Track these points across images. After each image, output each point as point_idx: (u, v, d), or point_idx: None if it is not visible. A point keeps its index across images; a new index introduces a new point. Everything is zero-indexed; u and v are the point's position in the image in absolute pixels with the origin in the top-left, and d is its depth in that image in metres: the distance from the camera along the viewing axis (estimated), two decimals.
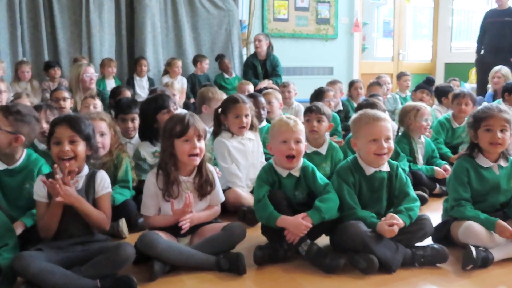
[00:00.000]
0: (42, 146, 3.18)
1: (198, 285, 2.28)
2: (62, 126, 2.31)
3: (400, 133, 3.91)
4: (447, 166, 3.85)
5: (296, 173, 2.63)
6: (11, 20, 6.22)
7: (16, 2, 6.21)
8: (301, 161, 2.67)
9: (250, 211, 3.05)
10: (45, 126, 3.18)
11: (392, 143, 2.58)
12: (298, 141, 2.59)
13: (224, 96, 4.09)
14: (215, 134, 3.48)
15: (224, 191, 3.20)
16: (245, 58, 7.64)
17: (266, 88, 6.66)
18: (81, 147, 2.33)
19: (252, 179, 3.41)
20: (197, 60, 7.00)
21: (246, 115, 3.38)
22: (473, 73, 7.87)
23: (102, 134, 2.96)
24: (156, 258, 2.30)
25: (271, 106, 4.65)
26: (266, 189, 2.57)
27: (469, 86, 7.59)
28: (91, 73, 5.11)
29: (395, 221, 2.38)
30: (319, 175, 2.65)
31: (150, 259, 2.31)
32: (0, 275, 2.06)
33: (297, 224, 2.41)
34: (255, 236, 2.65)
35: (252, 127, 3.49)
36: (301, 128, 2.65)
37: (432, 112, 4.74)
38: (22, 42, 6.34)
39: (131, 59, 6.97)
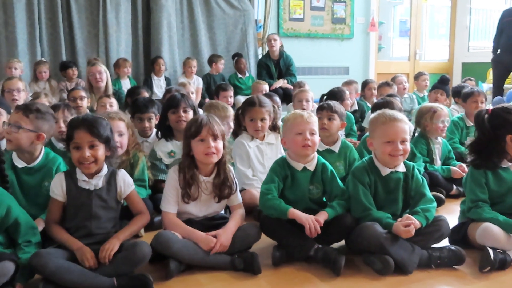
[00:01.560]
0: (60, 145, 3.21)
1: (213, 284, 2.29)
2: (81, 130, 2.30)
3: (416, 134, 3.88)
4: (463, 165, 3.81)
5: (311, 167, 2.65)
6: (29, 20, 6.29)
7: (35, 2, 6.28)
8: (316, 156, 2.68)
9: None
10: (63, 125, 3.22)
11: (408, 145, 2.56)
12: (312, 133, 2.62)
13: (230, 113, 3.82)
14: (235, 134, 3.51)
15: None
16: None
17: (281, 87, 6.68)
18: (101, 150, 2.34)
19: None
20: (212, 60, 7.01)
21: (262, 119, 3.38)
22: (491, 73, 7.77)
23: (120, 134, 2.99)
24: (172, 257, 2.32)
25: (308, 104, 4.72)
26: (276, 183, 2.59)
27: (487, 86, 7.51)
28: (97, 71, 5.15)
29: (411, 222, 2.36)
30: (338, 179, 2.67)
31: (166, 258, 2.33)
32: (18, 271, 2.08)
33: (308, 217, 2.43)
34: None
35: (275, 129, 3.50)
36: (315, 120, 2.69)
37: (449, 112, 4.69)
38: (41, 42, 6.41)
39: (148, 59, 7.02)
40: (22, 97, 4.44)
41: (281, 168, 2.64)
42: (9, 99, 4.35)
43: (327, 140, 3.43)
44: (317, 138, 2.65)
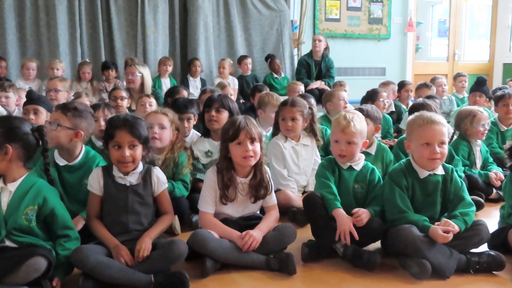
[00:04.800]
0: (100, 143, 3.29)
1: (249, 283, 2.30)
2: (122, 131, 2.37)
3: (456, 137, 3.80)
4: (499, 172, 3.73)
5: (357, 167, 2.67)
6: (71, 22, 6.47)
7: (76, 4, 6.46)
8: (363, 158, 2.71)
9: (300, 212, 3.06)
10: (103, 124, 3.30)
11: (446, 148, 2.51)
12: (349, 142, 2.61)
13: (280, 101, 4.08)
14: (273, 135, 3.53)
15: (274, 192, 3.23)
16: (296, 58, 7.64)
17: (318, 89, 6.64)
18: (139, 151, 2.41)
19: (303, 186, 3.42)
20: (240, 60, 7.05)
21: (293, 119, 3.38)
22: None
23: (162, 127, 3.08)
24: (208, 256, 2.35)
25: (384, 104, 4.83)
26: (329, 177, 2.62)
27: None
28: (130, 72, 5.27)
29: (450, 228, 2.32)
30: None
31: (202, 256, 2.36)
32: (53, 266, 2.13)
33: (344, 221, 2.46)
34: (305, 237, 2.65)
35: (313, 131, 3.50)
36: (355, 129, 2.62)
37: (490, 114, 4.58)
38: (81, 43, 6.59)
39: (184, 59, 7.11)
40: (60, 97, 4.54)
41: (329, 164, 2.69)
42: (48, 99, 4.48)
43: None
44: (355, 147, 2.63)
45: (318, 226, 2.57)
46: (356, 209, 2.52)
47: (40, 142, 2.29)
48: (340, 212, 2.50)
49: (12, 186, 2.19)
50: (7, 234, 2.15)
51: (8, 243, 2.15)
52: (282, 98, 3.90)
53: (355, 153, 2.65)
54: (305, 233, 2.70)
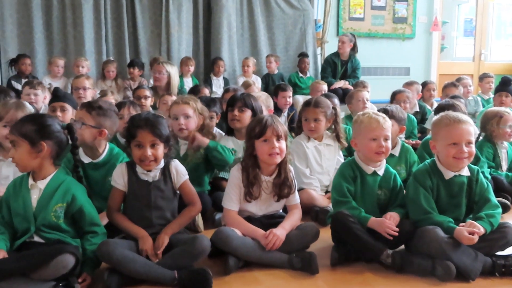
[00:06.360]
0: (124, 141, 3.33)
1: (271, 282, 2.31)
2: (144, 130, 2.39)
3: (481, 138, 3.74)
4: None
5: (380, 172, 2.64)
6: (96, 21, 6.57)
7: (102, 3, 6.56)
8: (385, 161, 2.67)
9: (323, 211, 3.06)
10: None
11: (473, 148, 2.48)
12: (386, 139, 2.60)
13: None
14: (296, 135, 3.53)
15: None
16: (319, 58, 7.62)
17: (341, 88, 6.58)
18: (161, 149, 2.43)
19: (325, 186, 3.41)
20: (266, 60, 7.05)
21: (316, 119, 3.38)
22: None
23: (187, 117, 3.12)
24: (231, 253, 2.37)
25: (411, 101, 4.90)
26: (345, 188, 2.58)
27: None
28: (157, 70, 5.30)
29: (475, 230, 2.30)
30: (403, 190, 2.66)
31: (225, 253, 2.38)
32: (79, 262, 2.16)
33: (381, 222, 2.44)
34: (327, 236, 2.65)
35: (336, 132, 3.48)
36: (389, 124, 2.65)
37: None
38: (106, 42, 6.68)
39: (208, 58, 7.15)
40: (88, 95, 4.61)
41: (349, 170, 2.63)
42: (76, 97, 4.55)
43: None
44: (390, 143, 2.62)
45: (358, 244, 2.46)
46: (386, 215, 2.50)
47: (70, 140, 2.33)
48: (373, 220, 2.48)
49: (42, 184, 2.25)
50: (36, 230, 2.20)
51: (36, 238, 2.22)
52: (301, 98, 3.90)
53: (390, 150, 2.64)
54: (328, 233, 2.68)
